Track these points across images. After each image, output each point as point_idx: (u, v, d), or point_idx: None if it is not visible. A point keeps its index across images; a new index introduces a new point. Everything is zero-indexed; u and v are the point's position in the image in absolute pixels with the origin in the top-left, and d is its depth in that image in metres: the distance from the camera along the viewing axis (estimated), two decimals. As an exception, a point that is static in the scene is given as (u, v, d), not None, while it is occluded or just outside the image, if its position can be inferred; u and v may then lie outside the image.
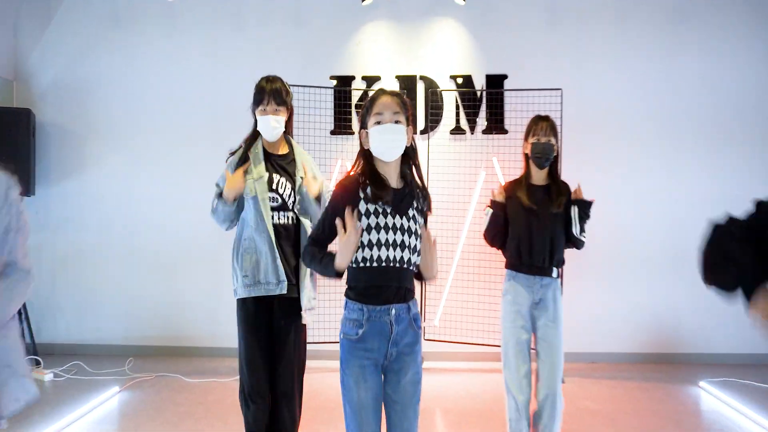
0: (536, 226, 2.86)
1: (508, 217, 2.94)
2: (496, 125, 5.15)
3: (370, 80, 5.24)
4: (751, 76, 5.13)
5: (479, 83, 5.22)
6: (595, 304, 5.11)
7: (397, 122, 2.04)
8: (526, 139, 2.93)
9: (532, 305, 2.88)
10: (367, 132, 2.06)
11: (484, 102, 5.20)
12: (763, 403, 4.06)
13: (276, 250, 2.62)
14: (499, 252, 3.08)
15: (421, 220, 2.10)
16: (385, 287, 1.99)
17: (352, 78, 5.26)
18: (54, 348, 5.20)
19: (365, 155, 2.08)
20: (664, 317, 5.16)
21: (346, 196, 2.00)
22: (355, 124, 5.21)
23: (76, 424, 3.70)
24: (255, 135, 2.79)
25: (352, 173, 2.10)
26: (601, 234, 4.99)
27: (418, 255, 2.05)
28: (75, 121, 5.35)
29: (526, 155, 2.94)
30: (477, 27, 5.23)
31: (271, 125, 2.70)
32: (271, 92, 2.70)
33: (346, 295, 2.05)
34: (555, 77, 5.03)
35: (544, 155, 2.87)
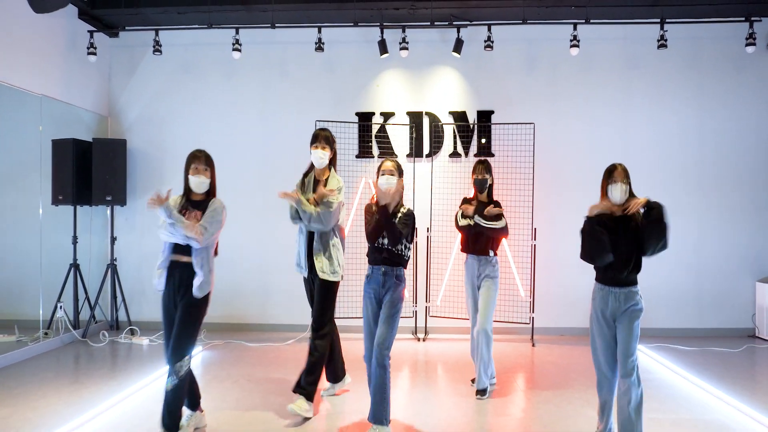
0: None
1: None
2: (485, 150, 6.58)
3: (387, 115, 6.71)
4: (684, 112, 6.59)
5: (472, 117, 6.68)
6: (561, 287, 6.53)
7: (391, 174, 3.74)
8: (472, 174, 4.62)
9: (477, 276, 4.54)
10: (377, 179, 3.79)
11: (476, 132, 6.65)
12: (681, 358, 5.50)
13: (305, 245, 4.09)
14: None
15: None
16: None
17: (373, 114, 6.72)
18: (141, 324, 6.63)
19: (378, 190, 3.76)
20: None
21: (368, 210, 3.73)
22: (375, 150, 6.67)
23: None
24: (310, 168, 4.22)
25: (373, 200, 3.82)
26: (569, 236, 6.44)
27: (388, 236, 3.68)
28: (155, 148, 6.85)
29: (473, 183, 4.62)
30: (470, 73, 6.69)
31: (318, 156, 4.11)
32: (322, 137, 4.12)
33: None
34: (531, 113, 6.51)
35: (482, 187, 4.57)
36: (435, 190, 6.49)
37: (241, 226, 6.62)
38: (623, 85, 6.61)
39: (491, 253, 4.48)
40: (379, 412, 3.55)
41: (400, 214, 3.68)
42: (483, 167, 4.56)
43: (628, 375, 3.28)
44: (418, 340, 6.33)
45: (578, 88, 6.63)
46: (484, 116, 6.66)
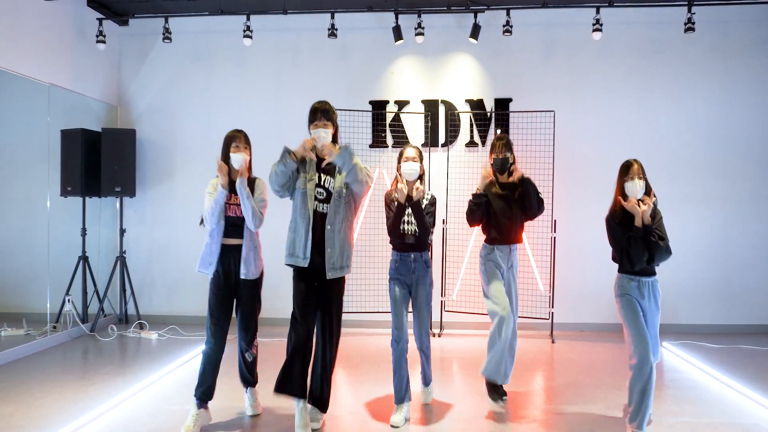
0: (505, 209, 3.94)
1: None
2: (503, 139, 6.35)
3: (401, 104, 6.51)
4: (710, 99, 6.30)
5: (489, 105, 6.46)
6: (582, 281, 6.30)
7: (414, 161, 3.78)
8: (490, 153, 4.01)
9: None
10: (400, 165, 3.83)
11: (493, 120, 6.43)
12: (709, 357, 5.26)
13: (310, 233, 3.39)
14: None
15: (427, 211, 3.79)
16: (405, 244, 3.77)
17: (387, 102, 6.52)
18: (150, 318, 6.53)
19: (399, 176, 3.86)
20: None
21: (388, 196, 3.82)
22: (390, 140, 6.47)
23: (187, 365, 5.02)
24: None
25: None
26: (589, 229, 6.21)
27: (418, 226, 3.72)
28: (165, 138, 6.70)
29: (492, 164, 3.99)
30: (487, 60, 6.46)
31: (321, 135, 3.47)
32: (321, 111, 3.50)
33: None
34: (550, 101, 6.27)
35: (503, 168, 3.97)
36: (451, 180, 6.28)
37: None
38: (647, 71, 6.34)
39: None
40: (427, 375, 4.02)
41: (426, 202, 3.77)
42: (503, 144, 3.95)
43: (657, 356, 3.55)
44: (434, 335, 6.15)
45: (600, 74, 6.37)
46: (502, 104, 6.43)
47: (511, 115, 6.36)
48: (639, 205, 3.42)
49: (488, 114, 6.44)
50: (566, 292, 6.29)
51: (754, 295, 6.28)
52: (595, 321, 6.31)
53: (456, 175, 6.30)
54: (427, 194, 3.82)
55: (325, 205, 3.48)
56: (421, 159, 3.83)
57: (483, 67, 6.47)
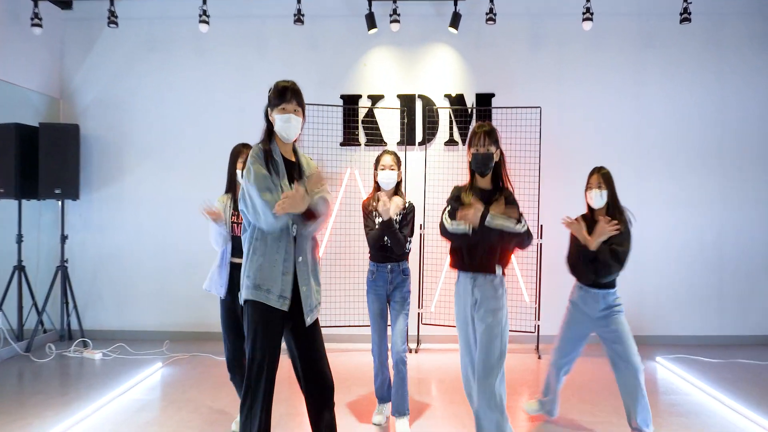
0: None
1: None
2: (485, 138, 5.86)
3: (375, 98, 5.97)
4: (704, 93, 5.91)
5: (470, 101, 5.96)
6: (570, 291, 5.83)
7: (392, 169, 3.57)
8: (468, 146, 2.96)
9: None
10: (377, 173, 3.61)
11: (474, 117, 5.93)
12: (707, 373, 4.84)
13: (290, 260, 2.54)
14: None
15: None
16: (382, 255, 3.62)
17: (359, 96, 5.98)
18: (96, 333, 5.89)
19: (376, 185, 3.67)
20: (629, 304, 5.90)
21: (365, 207, 3.65)
22: (362, 137, 5.94)
23: (131, 391, 4.42)
24: (269, 139, 2.63)
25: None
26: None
27: (392, 244, 3.55)
28: (114, 134, 6.04)
29: (470, 163, 2.98)
30: (469, 52, 5.96)
31: (293, 123, 2.57)
32: (292, 91, 2.58)
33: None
34: (536, 96, 5.80)
35: (485, 167, 2.94)
36: (429, 182, 5.78)
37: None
38: (638, 64, 5.92)
39: (497, 270, 2.94)
40: (401, 404, 3.65)
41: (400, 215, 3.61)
42: (485, 134, 2.90)
43: (638, 365, 3.41)
44: (410, 351, 5.63)
45: (589, 67, 5.92)
46: (484, 100, 5.94)
47: (494, 111, 5.86)
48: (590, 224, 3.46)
49: (469, 110, 5.95)
50: (554, 302, 5.80)
51: (749, 303, 5.91)
52: (583, 334, 5.85)
53: (434, 176, 5.80)
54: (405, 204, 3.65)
55: (295, 226, 2.57)
56: (399, 165, 3.65)
57: (464, 60, 5.97)
